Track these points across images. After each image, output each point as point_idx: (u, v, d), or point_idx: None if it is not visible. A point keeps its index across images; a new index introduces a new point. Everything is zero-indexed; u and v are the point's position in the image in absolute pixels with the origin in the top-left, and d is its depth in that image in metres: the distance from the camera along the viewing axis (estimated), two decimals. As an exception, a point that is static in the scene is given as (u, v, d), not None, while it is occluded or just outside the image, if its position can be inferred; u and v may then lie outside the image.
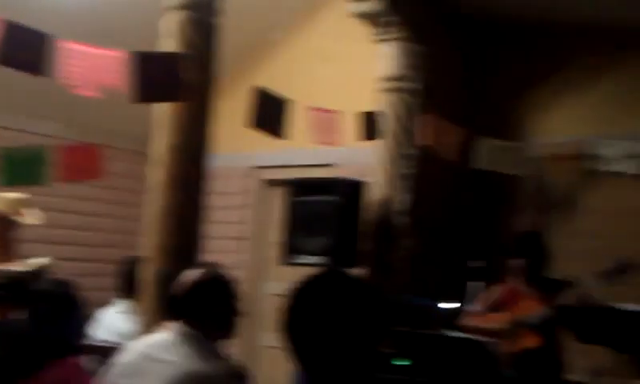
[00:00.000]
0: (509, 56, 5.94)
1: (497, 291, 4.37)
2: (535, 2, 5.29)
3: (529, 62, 5.85)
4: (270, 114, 4.39)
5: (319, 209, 5.00)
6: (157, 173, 3.64)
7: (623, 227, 5.15)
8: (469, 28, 5.99)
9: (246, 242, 6.62)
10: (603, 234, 5.20)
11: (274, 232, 6.24)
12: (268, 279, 6.47)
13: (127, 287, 4.39)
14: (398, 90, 5.27)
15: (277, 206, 6.36)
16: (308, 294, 1.83)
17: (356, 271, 4.53)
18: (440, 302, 3.87)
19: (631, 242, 4.80)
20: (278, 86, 4.55)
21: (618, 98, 5.43)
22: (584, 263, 4.28)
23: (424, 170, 5.30)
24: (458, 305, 4.25)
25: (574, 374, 4.75)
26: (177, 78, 3.53)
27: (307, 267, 4.74)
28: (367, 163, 5.35)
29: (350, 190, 5.05)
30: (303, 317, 1.80)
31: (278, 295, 1.87)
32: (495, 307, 4.31)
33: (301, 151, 5.61)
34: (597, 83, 5.51)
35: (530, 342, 4.00)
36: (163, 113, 3.64)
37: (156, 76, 3.53)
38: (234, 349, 3.29)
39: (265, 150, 5.73)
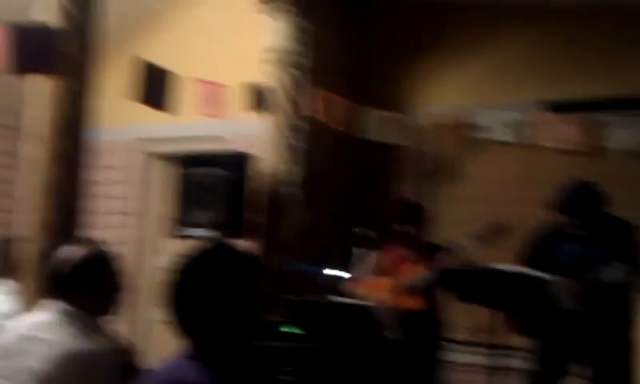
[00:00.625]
0: (393, 30, 6.02)
1: (382, 257, 4.48)
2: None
3: (412, 35, 5.94)
4: (155, 87, 4.35)
5: (208, 182, 5.00)
6: (33, 148, 3.54)
7: (502, 193, 5.36)
8: (354, 3, 6.07)
9: (132, 217, 6.53)
10: (484, 199, 5.41)
11: (160, 206, 6.19)
12: (154, 253, 6.41)
13: (4, 267, 4.26)
14: (286, 63, 5.29)
15: (162, 179, 6.30)
16: (191, 267, 1.84)
17: (244, 243, 4.57)
18: (327, 270, 3.95)
19: (510, 207, 5.03)
20: (163, 58, 4.49)
21: (497, 69, 5.61)
22: (466, 228, 4.44)
23: (313, 142, 5.36)
24: (345, 272, 4.35)
25: (457, 333, 4.98)
26: (52, 51, 3.44)
27: (196, 240, 4.74)
28: (256, 136, 5.37)
29: (238, 162, 5.07)
30: (187, 290, 1.81)
31: (164, 269, 1.88)
32: (380, 272, 4.42)
33: (188, 124, 5.54)
34: (476, 56, 5.67)
35: (414, 304, 4.14)
36: (39, 86, 3.54)
37: (30, 48, 3.42)
38: (121, 325, 3.26)
39: (151, 123, 5.61)
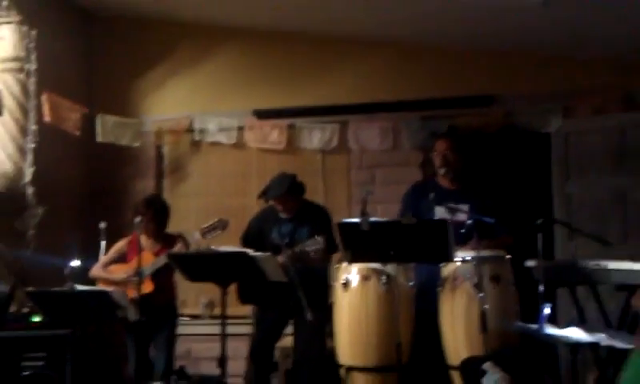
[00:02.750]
0: (123, 43, 5.81)
1: (121, 245, 4.34)
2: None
3: (140, 49, 5.79)
4: None
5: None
6: None
7: (222, 187, 5.48)
8: (87, 18, 5.76)
9: None
10: (207, 192, 5.49)
11: None
12: None
13: None
14: (12, 70, 4.88)
15: None
16: None
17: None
18: (70, 261, 3.73)
19: (230, 199, 5.16)
20: None
21: (213, 82, 5.67)
22: (195, 217, 4.46)
23: (43, 143, 4.99)
24: (88, 261, 4.15)
25: (192, 308, 5.00)
26: None
27: None
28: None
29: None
30: None
31: None
32: (121, 261, 4.29)
33: None
34: (196, 70, 5.69)
35: (148, 287, 4.07)
36: None
37: None
38: None
39: None
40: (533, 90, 5.08)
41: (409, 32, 5.15)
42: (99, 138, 5.51)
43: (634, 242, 4.54)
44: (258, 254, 3.57)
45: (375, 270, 3.55)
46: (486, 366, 3.10)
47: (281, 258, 3.80)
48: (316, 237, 3.78)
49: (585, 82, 4.99)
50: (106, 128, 5.55)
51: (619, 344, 2.76)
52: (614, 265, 3.41)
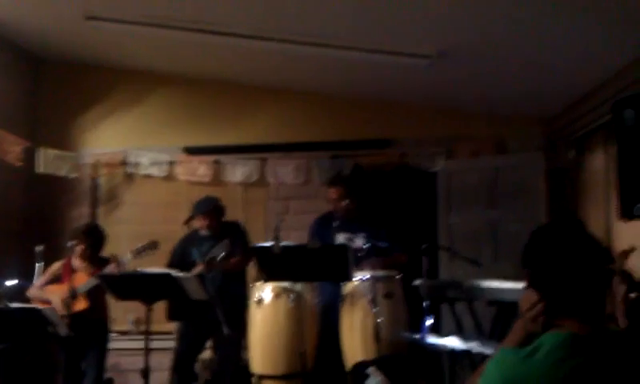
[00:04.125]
0: (66, 82, 5.73)
1: (57, 268, 4.24)
2: (82, 46, 5.28)
3: (81, 90, 5.72)
4: None
5: None
6: None
7: (152, 215, 5.44)
8: (32, 60, 5.65)
9: None
10: (140, 220, 5.43)
11: None
12: None
13: None
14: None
15: None
16: None
17: None
18: (8, 280, 3.62)
19: (158, 226, 5.11)
20: None
21: (149, 120, 5.66)
22: (127, 243, 4.39)
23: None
24: (24, 281, 4.03)
25: (122, 325, 4.90)
26: None
27: None
28: None
29: None
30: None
31: None
32: (56, 281, 4.18)
33: None
34: (134, 108, 5.67)
35: (81, 305, 4.00)
36: None
37: None
38: None
39: None
40: (422, 136, 5.36)
41: (320, 83, 5.34)
42: (39, 169, 5.39)
43: (502, 265, 4.79)
44: (180, 274, 3.60)
45: (285, 289, 3.60)
46: (370, 370, 3.20)
47: (195, 271, 3.83)
48: (222, 245, 3.83)
49: (464, 130, 5.31)
50: (47, 160, 5.44)
51: (489, 350, 2.92)
52: (486, 283, 3.53)
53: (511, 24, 3.69)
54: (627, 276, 2.61)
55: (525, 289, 1.58)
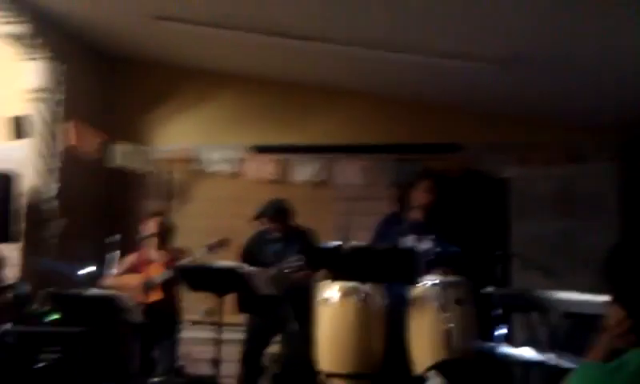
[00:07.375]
0: (141, 79, 5.86)
1: (131, 258, 4.31)
2: (154, 45, 5.39)
3: (154, 87, 5.84)
4: None
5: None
6: None
7: (221, 210, 5.46)
8: (108, 58, 5.80)
9: None
10: (208, 215, 5.48)
11: None
12: None
13: None
14: (43, 99, 4.92)
15: None
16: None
17: (11, 246, 4.15)
18: (86, 268, 3.73)
19: (227, 221, 5.17)
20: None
21: (219, 118, 5.72)
22: (197, 236, 4.44)
23: (67, 164, 5.01)
24: (98, 270, 4.13)
25: (194, 315, 4.97)
26: None
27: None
28: (19, 159, 4.86)
29: (2, 181, 4.55)
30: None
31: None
32: (130, 271, 4.26)
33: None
34: (204, 106, 5.75)
35: (156, 296, 4.07)
36: None
37: None
38: None
39: None
40: (492, 141, 5.20)
41: (388, 85, 5.28)
42: (115, 162, 5.52)
43: (579, 277, 4.59)
44: (249, 268, 3.61)
45: (354, 288, 3.54)
46: (430, 373, 3.11)
47: (270, 273, 3.84)
48: (297, 255, 3.82)
49: (535, 137, 5.13)
50: (122, 154, 5.58)
51: (566, 363, 2.81)
52: (563, 295, 3.39)
53: (585, 28, 3.54)
54: None
55: (610, 304, 1.50)
